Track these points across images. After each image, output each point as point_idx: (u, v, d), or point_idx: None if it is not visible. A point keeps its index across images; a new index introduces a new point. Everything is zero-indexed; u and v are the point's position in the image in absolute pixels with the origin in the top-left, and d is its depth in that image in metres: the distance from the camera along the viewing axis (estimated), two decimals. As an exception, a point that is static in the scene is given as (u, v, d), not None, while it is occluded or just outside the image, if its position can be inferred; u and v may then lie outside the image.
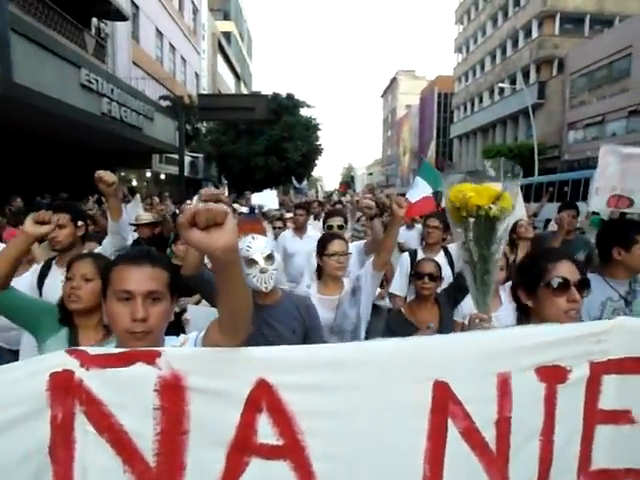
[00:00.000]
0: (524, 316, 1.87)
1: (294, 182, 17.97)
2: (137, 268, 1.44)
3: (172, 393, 1.27)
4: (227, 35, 41.44)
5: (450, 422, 1.42)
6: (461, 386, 1.42)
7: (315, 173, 58.17)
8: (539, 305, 1.79)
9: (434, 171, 5.97)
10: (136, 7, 20.99)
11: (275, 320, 2.54)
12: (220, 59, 38.76)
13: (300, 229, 5.52)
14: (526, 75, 34.51)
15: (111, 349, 1.35)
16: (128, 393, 1.27)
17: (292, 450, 1.32)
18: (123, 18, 16.24)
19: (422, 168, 6.01)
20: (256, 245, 2.51)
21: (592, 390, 1.56)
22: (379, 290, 3.93)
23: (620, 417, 1.59)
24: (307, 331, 2.66)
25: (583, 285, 1.77)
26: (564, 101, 30.32)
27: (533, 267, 1.83)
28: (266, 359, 1.33)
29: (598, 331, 1.57)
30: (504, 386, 1.45)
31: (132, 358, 1.27)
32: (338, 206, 10.28)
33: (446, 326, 2.92)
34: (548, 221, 10.23)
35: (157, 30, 24.07)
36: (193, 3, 30.91)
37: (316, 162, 34.08)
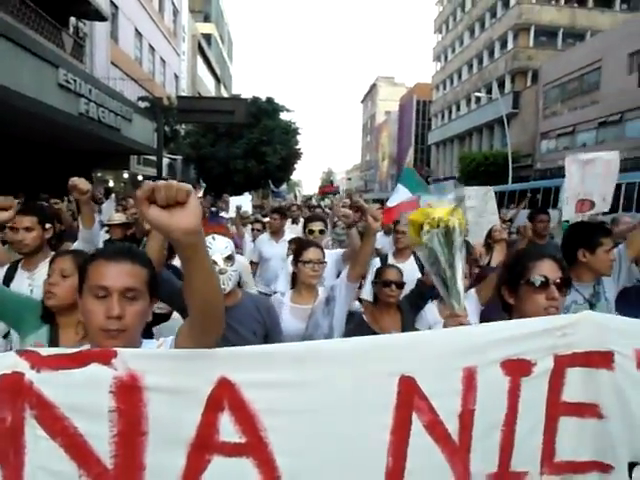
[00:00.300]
0: (507, 314, 1.91)
1: (271, 186, 18.07)
2: (115, 264, 1.38)
3: (129, 394, 1.24)
4: (207, 37, 41.32)
5: (414, 416, 1.43)
6: (427, 381, 1.44)
7: (294, 177, 58.34)
8: (520, 302, 1.83)
9: (415, 176, 6.04)
10: (115, 7, 20.83)
11: (235, 321, 2.49)
12: (200, 61, 38.61)
13: (276, 233, 5.51)
14: (501, 85, 35.37)
15: (64, 349, 1.30)
16: (82, 395, 1.23)
17: (255, 447, 1.31)
18: (102, 18, 16.13)
19: (403, 174, 6.06)
20: (216, 245, 2.49)
21: (555, 382, 1.57)
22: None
23: (586, 410, 1.59)
24: (267, 332, 2.64)
25: (564, 284, 1.81)
26: (537, 111, 31.16)
27: (516, 265, 1.88)
28: (227, 358, 1.31)
29: (564, 324, 1.59)
30: (469, 380, 1.48)
31: (86, 359, 1.24)
32: (317, 210, 10.44)
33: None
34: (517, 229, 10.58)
35: (136, 30, 23.89)
36: (173, 4, 30.77)
37: (295, 166, 34.25)
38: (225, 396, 1.29)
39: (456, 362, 1.48)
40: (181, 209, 1.01)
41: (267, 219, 7.24)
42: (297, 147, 32.50)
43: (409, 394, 1.43)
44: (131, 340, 1.39)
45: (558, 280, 1.79)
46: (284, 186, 20.15)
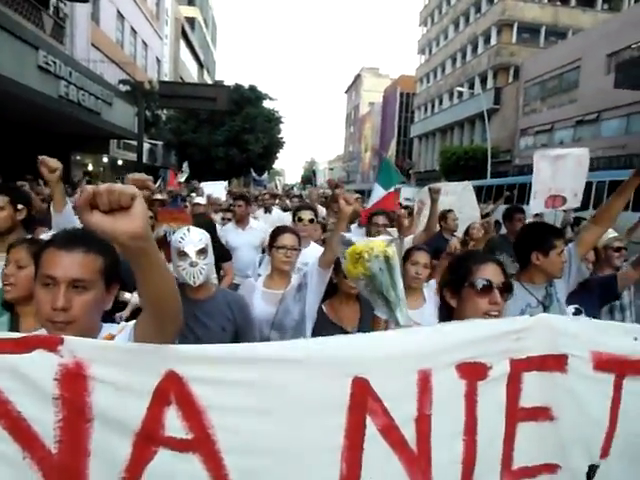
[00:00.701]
0: (447, 316, 1.89)
1: (253, 174, 18.10)
2: (66, 253, 1.34)
3: (74, 382, 1.23)
4: (191, 21, 40.74)
5: (369, 419, 1.40)
6: (381, 383, 1.41)
7: (277, 166, 58.24)
8: (461, 305, 1.82)
9: (392, 169, 6.04)
10: (97, -12, 20.46)
11: (204, 315, 2.49)
12: (183, 45, 38.08)
13: (241, 221, 5.41)
14: (484, 80, 35.79)
15: (8, 333, 1.31)
16: (27, 380, 1.22)
17: (202, 444, 1.30)
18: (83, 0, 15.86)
19: (381, 168, 5.83)
20: (190, 237, 2.47)
21: (513, 388, 1.56)
22: None
23: (540, 414, 1.59)
24: (238, 330, 2.60)
25: (506, 288, 1.81)
26: (518, 108, 31.62)
27: (460, 268, 1.86)
28: (177, 352, 1.29)
29: (518, 328, 1.57)
30: (424, 383, 1.45)
31: (31, 344, 1.23)
32: (295, 199, 10.55)
33: (366, 324, 2.84)
34: (497, 222, 10.74)
35: (118, 12, 23.47)
36: (157, -14, 30.28)
37: (277, 155, 34.26)
38: (172, 390, 1.28)
39: (411, 364, 1.45)
40: (126, 214, 0.97)
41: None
42: (279, 136, 32.51)
43: (363, 396, 1.40)
44: (83, 330, 1.34)
45: (501, 285, 1.80)
46: (265, 175, 20.16)
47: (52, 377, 1.23)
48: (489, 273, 1.80)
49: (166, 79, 30.32)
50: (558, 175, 5.93)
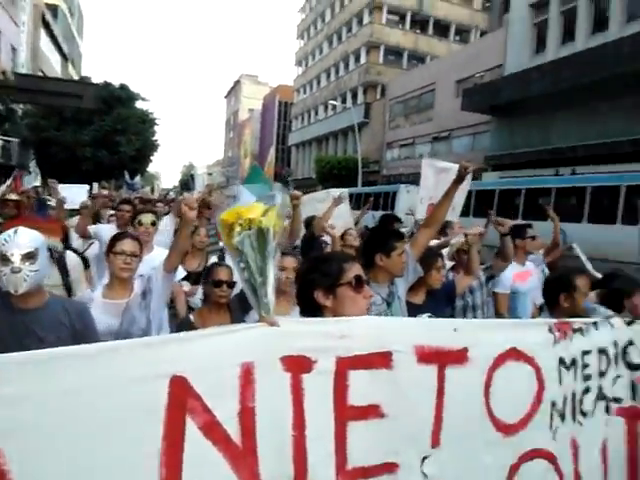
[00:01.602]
0: (317, 315, 1.85)
1: (126, 177, 17.46)
2: None
3: None
4: (53, 9, 37.59)
5: (188, 418, 1.36)
6: (201, 379, 1.38)
7: (152, 169, 55.75)
8: (338, 304, 1.81)
9: (260, 176, 6.18)
10: (-62, -37, 18.22)
11: (36, 325, 2.32)
12: (44, 34, 34.96)
13: (124, 226, 4.95)
14: (355, 96, 38.19)
15: None
16: None
17: None
18: None
19: (251, 175, 5.88)
20: (16, 240, 2.21)
21: (340, 386, 1.57)
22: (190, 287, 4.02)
23: (370, 412, 1.61)
24: (77, 337, 2.39)
25: (367, 283, 1.96)
26: (384, 123, 34.30)
27: (330, 268, 1.86)
28: None
29: (341, 327, 1.62)
30: (247, 375, 1.44)
31: None
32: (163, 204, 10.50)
33: None
34: (367, 228, 11.60)
35: (-35, -7, 21.11)
36: (12, -31, 27.61)
37: (152, 158, 33.08)
38: None
39: (232, 359, 1.44)
40: None
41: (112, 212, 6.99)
42: (154, 138, 31.47)
43: (181, 395, 1.36)
44: None
45: (365, 280, 1.92)
46: (138, 178, 19.45)
47: None
48: (358, 270, 1.89)
49: (23, 70, 27.72)
50: (439, 187, 5.84)
